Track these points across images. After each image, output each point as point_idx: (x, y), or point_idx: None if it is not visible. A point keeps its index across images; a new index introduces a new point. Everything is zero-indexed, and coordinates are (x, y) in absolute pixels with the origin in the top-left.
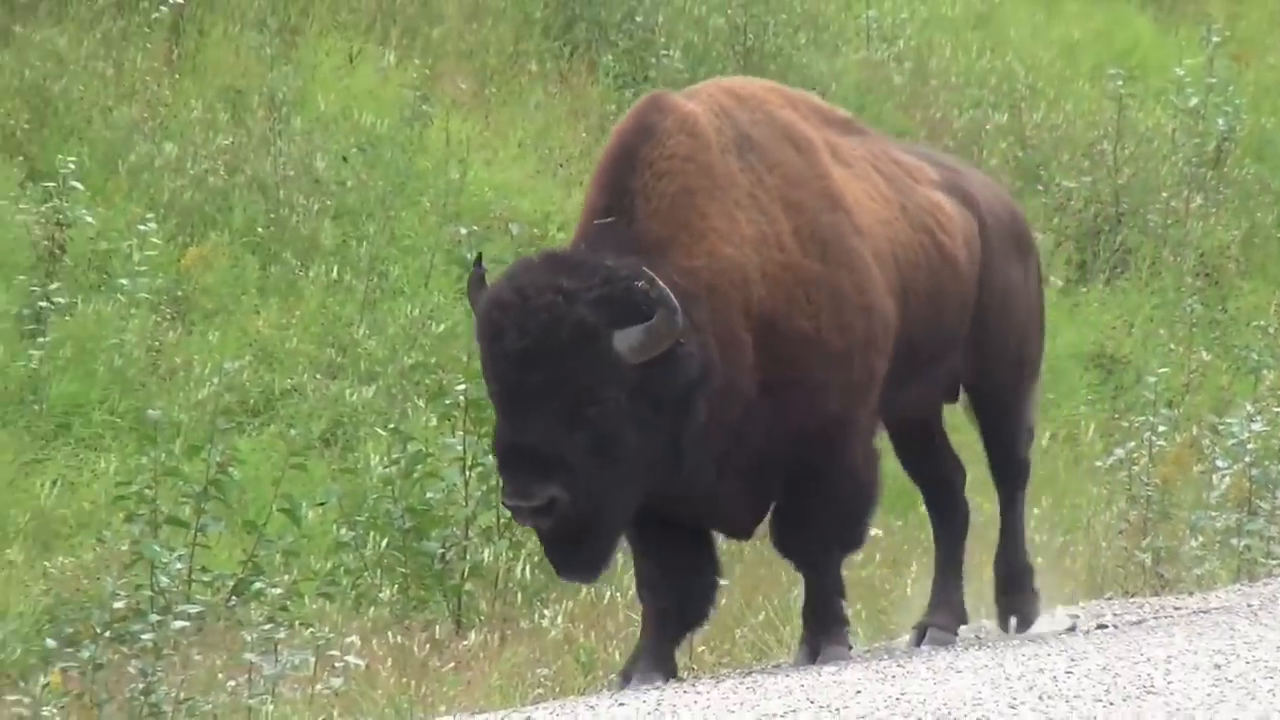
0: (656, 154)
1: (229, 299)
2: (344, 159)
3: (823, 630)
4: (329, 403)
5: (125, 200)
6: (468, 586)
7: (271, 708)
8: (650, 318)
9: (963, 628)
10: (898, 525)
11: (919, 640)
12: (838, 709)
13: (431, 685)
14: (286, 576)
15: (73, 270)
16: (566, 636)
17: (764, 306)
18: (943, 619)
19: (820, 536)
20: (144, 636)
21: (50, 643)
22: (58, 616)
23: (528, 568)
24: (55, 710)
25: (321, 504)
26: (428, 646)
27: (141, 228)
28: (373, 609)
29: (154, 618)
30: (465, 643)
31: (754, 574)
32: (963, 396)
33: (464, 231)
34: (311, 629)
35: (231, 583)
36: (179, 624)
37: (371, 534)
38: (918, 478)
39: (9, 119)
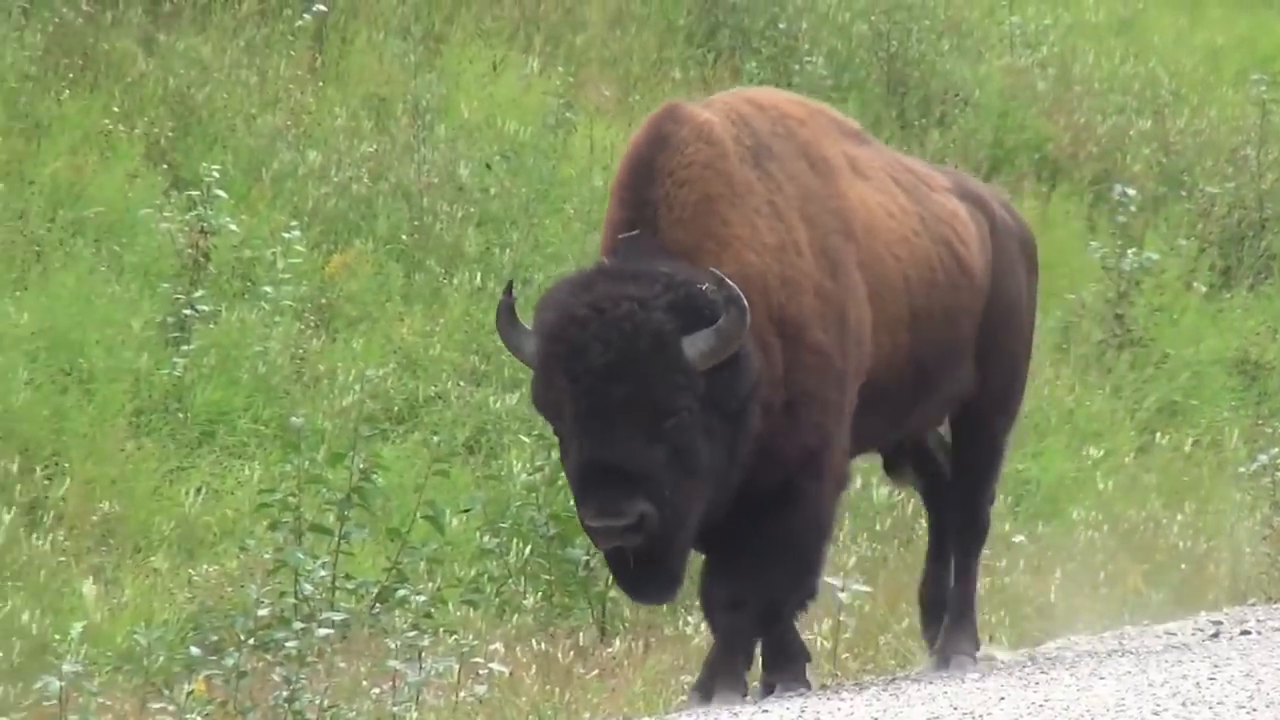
0: (675, 162)
1: (373, 306)
2: (487, 166)
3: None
4: (473, 410)
5: (269, 208)
6: (612, 593)
7: (415, 715)
8: (712, 321)
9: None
10: (1043, 531)
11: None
12: (981, 715)
13: (575, 692)
14: (430, 584)
15: (217, 278)
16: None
17: (785, 313)
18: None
19: (755, 576)
20: (288, 644)
21: (195, 650)
22: (202, 624)
23: None
24: (200, 718)
25: (465, 511)
26: (572, 653)
27: (285, 235)
28: (516, 616)
29: (298, 625)
30: (609, 650)
31: (897, 580)
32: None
33: None
34: (455, 636)
35: (375, 590)
36: (323, 631)
37: (515, 541)
38: (925, 494)
39: (153, 127)
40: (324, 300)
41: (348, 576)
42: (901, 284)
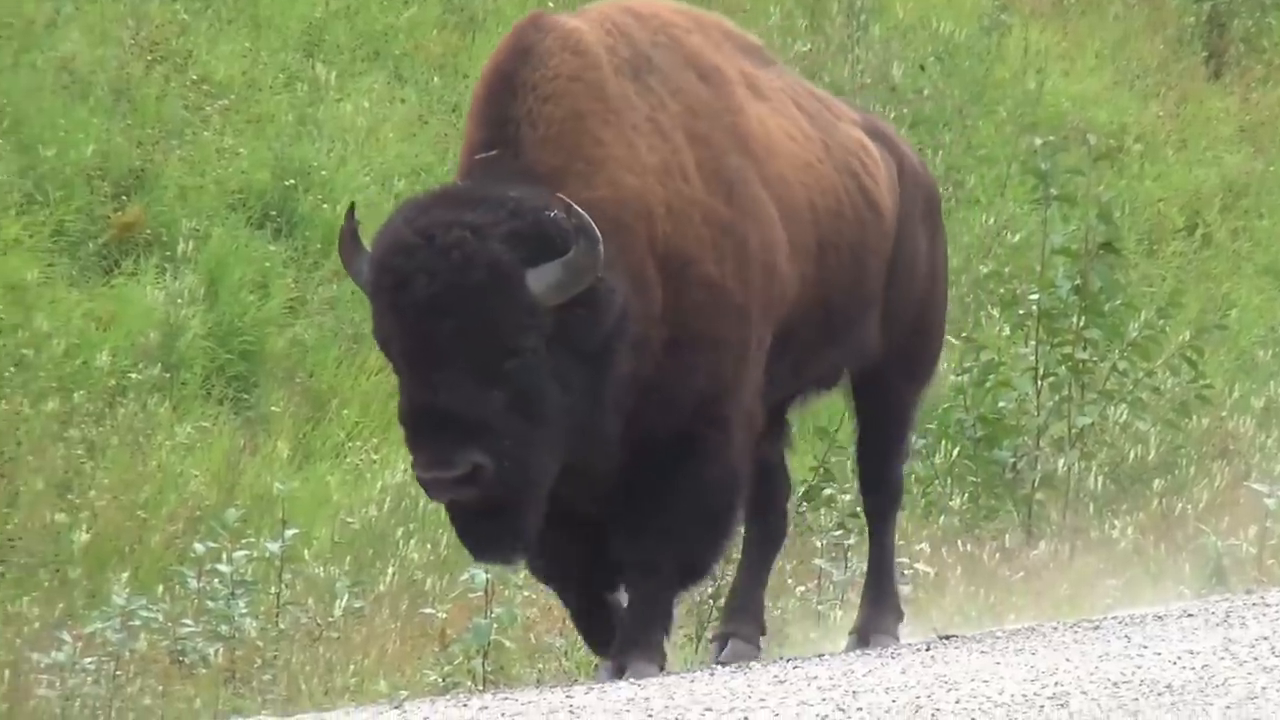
0: (538, 76)
1: None
2: (921, 68)
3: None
4: None
5: None
6: (1038, 496)
7: (840, 614)
8: (564, 252)
9: (763, 639)
10: None
11: (720, 650)
12: None
13: (1000, 594)
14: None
15: None
16: (1136, 548)
17: (670, 245)
18: (746, 629)
19: (668, 535)
20: None
21: None
22: None
23: (1099, 478)
24: None
25: None
26: (997, 555)
27: None
28: (942, 517)
29: None
30: (1035, 552)
31: None
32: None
33: (1039, 142)
34: None
35: (802, 488)
36: None
37: (943, 442)
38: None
39: None
40: None
41: None
42: (808, 212)
